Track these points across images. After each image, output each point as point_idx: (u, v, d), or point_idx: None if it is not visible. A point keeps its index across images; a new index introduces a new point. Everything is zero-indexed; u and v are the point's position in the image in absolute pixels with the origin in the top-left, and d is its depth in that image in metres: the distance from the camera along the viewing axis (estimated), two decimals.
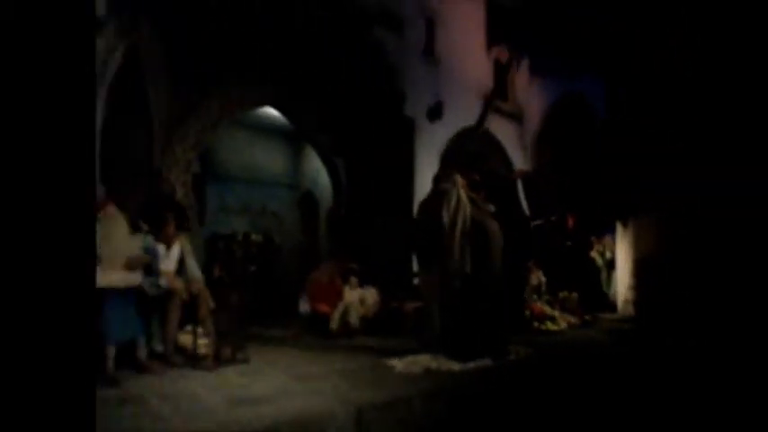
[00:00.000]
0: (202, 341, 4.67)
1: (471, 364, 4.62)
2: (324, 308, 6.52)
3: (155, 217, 4.40)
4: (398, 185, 7.33)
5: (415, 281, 7.38)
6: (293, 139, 9.39)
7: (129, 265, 4.03)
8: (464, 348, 4.74)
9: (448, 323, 4.90)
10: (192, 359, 4.42)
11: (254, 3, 6.43)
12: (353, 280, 6.89)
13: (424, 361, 4.69)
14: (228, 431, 2.93)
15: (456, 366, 4.58)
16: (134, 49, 5.53)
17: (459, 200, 4.84)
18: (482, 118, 7.76)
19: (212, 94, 6.57)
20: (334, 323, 6.25)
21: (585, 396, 4.44)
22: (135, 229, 4.12)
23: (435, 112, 7.54)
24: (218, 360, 4.44)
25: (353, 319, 6.31)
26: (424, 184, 7.49)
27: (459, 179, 4.97)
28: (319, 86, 7.04)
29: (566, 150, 9.53)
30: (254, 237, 8.45)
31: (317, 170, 9.17)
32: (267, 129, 8.78)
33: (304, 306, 7.23)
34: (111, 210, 4.16)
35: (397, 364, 4.61)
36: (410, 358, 4.75)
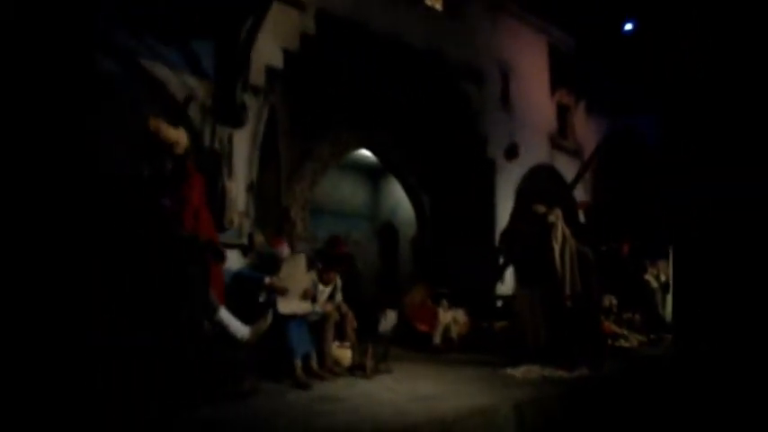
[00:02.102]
0: (347, 353, 5.57)
1: (576, 373, 5.44)
2: (423, 327, 7.40)
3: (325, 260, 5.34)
4: (480, 217, 8.24)
5: (499, 303, 8.22)
6: (372, 175, 10.45)
7: (304, 296, 4.98)
8: (569, 359, 5.57)
9: (555, 337, 5.73)
10: (350, 370, 5.30)
11: (359, 63, 7.49)
12: (444, 302, 7.76)
13: (536, 370, 5.53)
14: (417, 419, 3.80)
15: (565, 374, 5.40)
16: (272, 109, 6.62)
17: (563, 231, 5.75)
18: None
19: (324, 140, 7.62)
20: (438, 339, 7.12)
21: (671, 400, 5.21)
22: (310, 266, 5.09)
23: (512, 153, 8.50)
24: (365, 370, 5.33)
25: (454, 336, 7.18)
26: (503, 216, 8.41)
27: (560, 213, 5.88)
28: (411, 132, 8.07)
29: (619, 181, 10.38)
30: None
31: (395, 203, 10.18)
32: (351, 166, 9.82)
33: (384, 326, 8.12)
34: (286, 247, 5.16)
35: (516, 372, 5.46)
36: (524, 368, 5.57)
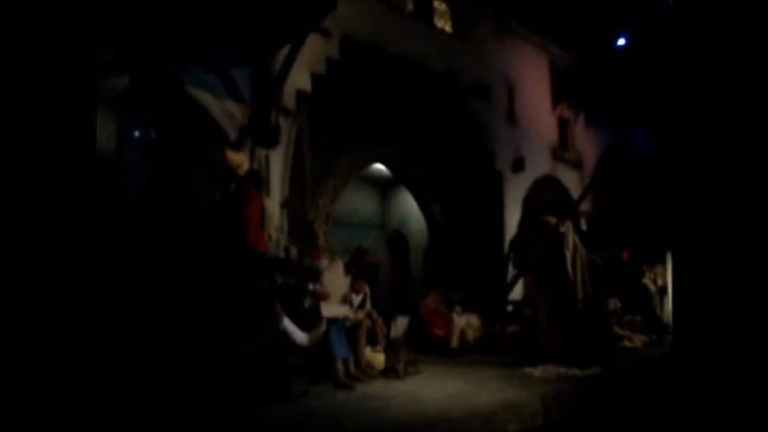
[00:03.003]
0: (381, 357, 5.99)
1: (589, 371, 5.90)
2: (439, 331, 7.82)
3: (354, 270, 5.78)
4: (489, 226, 8.72)
5: (509, 308, 8.68)
6: (381, 186, 10.91)
7: (343, 300, 5.41)
8: (582, 358, 6.03)
9: (569, 338, 6.19)
10: (383, 372, 5.71)
11: (376, 84, 7.94)
12: (458, 308, 8.20)
13: (553, 369, 5.98)
14: (460, 413, 4.21)
15: (579, 372, 5.86)
16: (299, 128, 7.04)
17: (574, 241, 6.23)
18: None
19: (343, 156, 8.05)
20: (455, 342, 7.55)
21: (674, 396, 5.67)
22: (347, 272, 5.51)
23: (518, 166, 9.00)
24: (397, 372, 5.75)
25: (470, 339, 7.62)
26: (511, 225, 8.90)
27: (570, 224, 6.37)
28: (423, 146, 8.54)
29: (617, 191, 10.92)
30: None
31: (405, 213, 10.64)
32: (361, 179, 10.25)
33: (395, 332, 8.54)
34: (325, 259, 5.58)
35: (534, 371, 5.91)
36: (541, 367, 6.02)
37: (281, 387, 3.94)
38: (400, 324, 8.72)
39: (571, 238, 6.25)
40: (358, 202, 10.50)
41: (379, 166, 9.27)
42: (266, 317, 3.54)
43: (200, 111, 5.58)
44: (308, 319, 4.66)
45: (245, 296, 3.26)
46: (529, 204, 8.99)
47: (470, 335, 7.75)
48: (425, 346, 7.86)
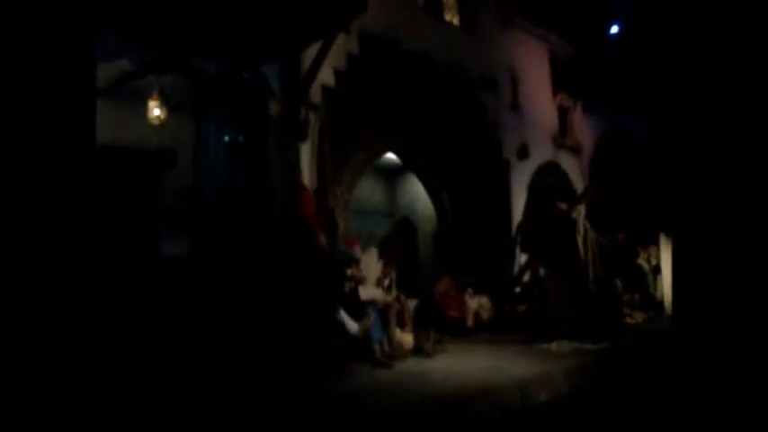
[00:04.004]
0: (409, 338, 6.38)
1: (601, 345, 6.39)
2: (453, 313, 8.25)
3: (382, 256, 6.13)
4: (497, 212, 9.14)
5: (517, 289, 9.14)
6: (389, 175, 11.25)
7: (376, 285, 5.77)
8: (594, 334, 6.51)
9: (580, 315, 6.67)
10: (414, 352, 6.10)
11: (390, 76, 8.22)
12: (470, 290, 8.64)
13: (567, 344, 6.46)
14: (499, 383, 4.62)
15: (592, 346, 6.34)
16: (322, 122, 7.31)
17: (584, 225, 6.68)
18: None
19: (358, 147, 8.34)
20: (470, 322, 8.00)
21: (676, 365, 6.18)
22: (380, 257, 5.87)
23: (523, 153, 9.41)
24: (426, 351, 6.15)
25: (485, 318, 8.07)
26: (518, 210, 9.35)
27: (581, 209, 6.82)
28: (432, 136, 8.88)
29: (613, 174, 11.42)
30: None
31: (412, 200, 11.01)
32: (371, 168, 10.58)
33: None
34: (358, 247, 5.93)
35: (551, 346, 6.37)
36: (556, 343, 6.50)
37: (338, 369, 4.30)
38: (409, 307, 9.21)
39: (581, 222, 6.70)
40: (367, 191, 10.81)
41: (389, 156, 9.60)
42: (329, 309, 3.88)
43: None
44: (349, 304, 5.01)
45: (315, 290, 3.59)
46: (534, 190, 9.44)
47: (484, 315, 8.19)
48: (439, 328, 8.31)
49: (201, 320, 3.36)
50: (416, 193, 10.80)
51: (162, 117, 7.39)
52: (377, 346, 5.44)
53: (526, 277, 8.80)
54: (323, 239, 4.82)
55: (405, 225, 11.28)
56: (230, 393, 3.22)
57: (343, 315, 4.42)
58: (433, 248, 9.99)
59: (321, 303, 3.71)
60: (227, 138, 4.99)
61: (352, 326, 4.53)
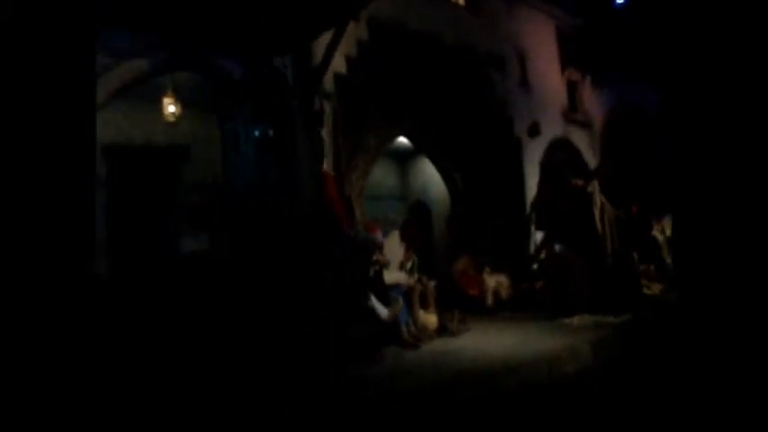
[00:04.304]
0: (433, 318, 6.51)
1: (621, 318, 6.49)
2: (473, 291, 8.38)
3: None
4: (510, 191, 9.20)
5: (534, 266, 9.23)
6: (400, 158, 11.29)
7: (399, 268, 5.89)
8: (614, 306, 6.61)
9: (599, 289, 6.77)
10: (438, 332, 6.23)
11: (399, 59, 8.23)
12: (487, 269, 8.74)
13: (588, 318, 6.57)
14: (528, 356, 4.73)
15: (613, 319, 6.45)
16: (335, 110, 7.37)
17: (600, 199, 6.76)
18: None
19: (369, 132, 8.39)
20: (489, 300, 8.12)
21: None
22: (402, 241, 5.98)
23: (534, 131, 9.42)
24: (451, 330, 6.29)
25: (504, 296, 8.19)
26: (531, 188, 9.40)
27: (596, 184, 6.88)
28: (442, 117, 8.90)
29: (625, 148, 11.40)
30: None
31: (424, 183, 11.08)
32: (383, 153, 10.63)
33: None
34: (380, 232, 6.03)
35: (573, 320, 6.49)
36: (577, 317, 6.61)
37: (371, 353, 4.45)
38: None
39: (598, 197, 6.77)
40: (379, 176, 10.86)
41: (400, 139, 9.64)
42: (360, 296, 4.01)
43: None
44: (375, 288, 5.13)
45: (346, 279, 3.71)
46: (547, 167, 9.47)
47: (503, 293, 8.31)
48: (460, 307, 8.44)
49: (231, 313, 3.49)
50: (429, 176, 10.86)
51: (176, 114, 7.50)
52: (404, 329, 5.58)
53: (543, 254, 8.88)
54: (348, 227, 4.93)
55: (419, 208, 11.36)
56: (271, 380, 3.36)
57: (374, 301, 4.55)
58: (448, 230, 10.07)
59: (353, 291, 3.83)
60: (257, 133, 5.07)
61: (382, 311, 4.66)
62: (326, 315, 3.56)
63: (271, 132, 5.13)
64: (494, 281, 8.59)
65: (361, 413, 3.36)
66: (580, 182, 6.95)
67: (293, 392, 3.52)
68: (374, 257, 5.47)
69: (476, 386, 4.10)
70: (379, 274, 5.41)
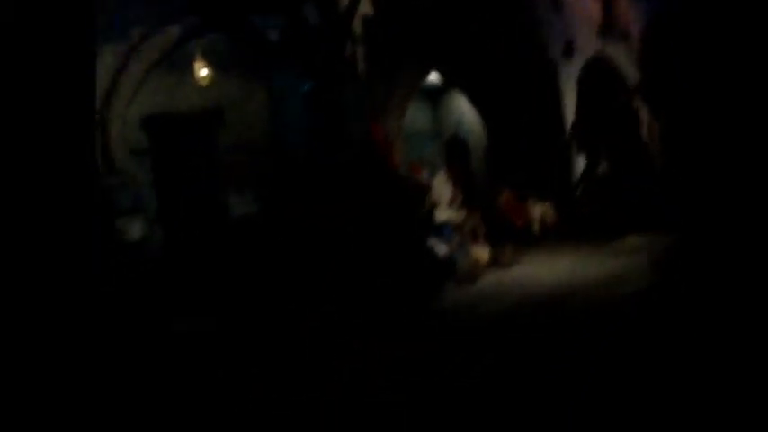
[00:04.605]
0: (484, 252, 6.65)
1: (672, 236, 6.45)
2: (519, 221, 8.44)
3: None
4: (548, 116, 8.98)
5: (579, 191, 9.14)
6: (431, 96, 11.14)
7: (448, 206, 5.98)
8: (666, 225, 6.56)
9: (649, 209, 6.70)
10: (491, 264, 6.37)
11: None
12: (531, 199, 8.73)
13: (640, 238, 6.57)
14: (594, 276, 4.83)
15: (665, 239, 6.42)
16: (366, 54, 7.24)
17: (646, 115, 6.57)
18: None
19: (403, 73, 8.26)
20: (537, 229, 8.19)
21: None
22: (448, 179, 6.05)
23: (569, 51, 9.04)
24: (503, 262, 6.42)
25: (550, 224, 8.24)
26: (569, 111, 9.14)
27: (640, 100, 6.67)
28: (474, 48, 8.64)
29: (665, 60, 10.82)
30: None
31: (457, 118, 10.96)
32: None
33: None
34: (425, 172, 6.10)
35: (624, 242, 6.51)
36: (629, 238, 6.63)
37: (432, 289, 4.64)
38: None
39: (643, 113, 6.58)
40: (410, 115, 10.74)
41: (430, 77, 9.46)
42: (420, 236, 4.15)
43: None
44: (430, 228, 5.27)
45: (407, 221, 3.84)
46: (585, 87, 9.14)
47: (548, 221, 8.33)
48: (508, 239, 8.52)
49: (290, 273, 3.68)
50: (462, 111, 10.69)
51: (209, 78, 7.55)
52: (459, 264, 5.74)
53: (587, 177, 8.77)
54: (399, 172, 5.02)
55: (455, 143, 11.27)
56: (356, 320, 3.61)
57: (433, 240, 4.70)
58: (486, 163, 10.01)
59: (411, 233, 3.97)
60: (306, 87, 5.09)
61: (442, 249, 4.82)
62: (390, 257, 3.72)
63: (312, 85, 5.14)
64: (539, 209, 8.60)
65: (435, 346, 3.56)
66: (623, 99, 6.74)
67: (369, 326, 3.76)
68: (427, 198, 5.58)
69: (538, 312, 4.25)
70: (431, 214, 5.52)
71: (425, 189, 5.52)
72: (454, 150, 10.84)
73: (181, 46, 5.53)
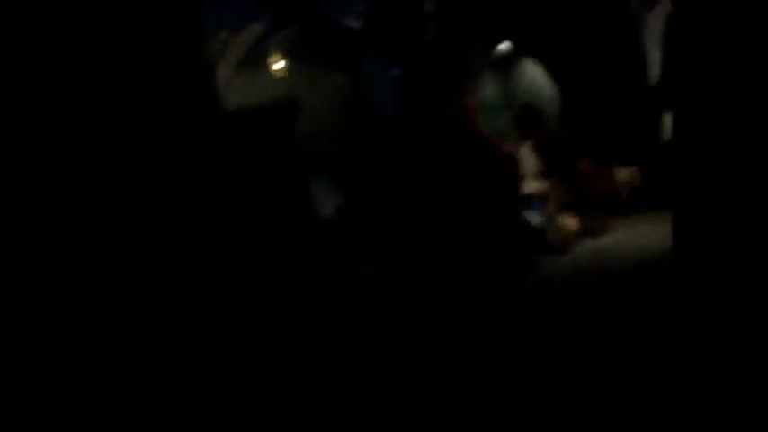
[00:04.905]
0: (572, 221, 6.50)
1: None
2: (605, 188, 8.15)
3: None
4: (630, 76, 8.52)
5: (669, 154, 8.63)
6: (499, 65, 10.84)
7: (535, 177, 5.91)
8: None
9: None
10: (581, 234, 6.24)
11: None
12: (615, 165, 8.38)
13: None
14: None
15: None
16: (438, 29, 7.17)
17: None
18: None
19: (474, 44, 8.13)
20: (624, 194, 7.88)
21: None
22: (533, 149, 5.97)
23: (651, 2, 8.50)
24: (592, 232, 6.27)
25: (637, 189, 7.90)
26: (653, 69, 8.60)
27: None
28: (546, 11, 8.33)
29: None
30: None
31: (528, 86, 10.61)
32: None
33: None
34: (505, 143, 6.05)
35: None
36: None
37: (529, 261, 4.66)
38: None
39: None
40: (481, 87, 10.56)
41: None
42: (515, 208, 4.18)
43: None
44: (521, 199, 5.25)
45: (503, 195, 3.88)
46: (671, 40, 8.52)
47: (636, 186, 7.98)
48: (594, 206, 8.24)
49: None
50: (533, 78, 10.32)
51: (284, 69, 7.81)
52: (550, 235, 5.68)
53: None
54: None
55: (529, 112, 10.95)
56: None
57: (527, 212, 4.70)
58: (563, 130, 9.66)
59: (507, 205, 4.02)
60: (393, 72, 5.20)
61: (536, 219, 4.82)
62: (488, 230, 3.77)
63: (401, 71, 5.21)
64: (625, 174, 8.24)
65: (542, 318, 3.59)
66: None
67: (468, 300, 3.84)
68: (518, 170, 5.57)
69: (643, 280, 4.14)
70: (519, 185, 5.50)
71: (517, 161, 5.48)
72: (529, 120, 10.53)
73: (265, 42, 5.74)
